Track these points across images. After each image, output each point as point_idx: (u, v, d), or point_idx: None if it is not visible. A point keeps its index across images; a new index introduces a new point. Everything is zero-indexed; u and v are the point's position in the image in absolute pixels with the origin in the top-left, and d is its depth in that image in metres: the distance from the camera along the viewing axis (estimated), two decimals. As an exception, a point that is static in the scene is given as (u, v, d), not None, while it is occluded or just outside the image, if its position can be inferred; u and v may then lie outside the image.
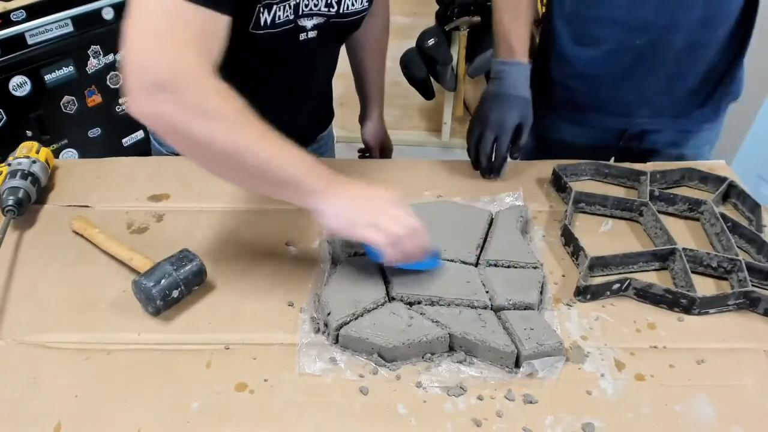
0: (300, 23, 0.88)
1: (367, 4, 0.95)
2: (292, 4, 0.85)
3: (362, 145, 1.35)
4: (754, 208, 0.95)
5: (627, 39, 1.02)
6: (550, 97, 1.16)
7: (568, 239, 0.88)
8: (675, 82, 1.07)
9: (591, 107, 1.13)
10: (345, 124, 1.30)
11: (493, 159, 1.02)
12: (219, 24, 0.70)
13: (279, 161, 0.69)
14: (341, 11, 0.91)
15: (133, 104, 0.64)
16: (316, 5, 0.88)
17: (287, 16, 0.86)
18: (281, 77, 0.99)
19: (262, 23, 0.83)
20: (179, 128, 0.64)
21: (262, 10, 0.82)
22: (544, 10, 1.18)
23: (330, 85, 1.17)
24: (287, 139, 0.70)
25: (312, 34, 0.91)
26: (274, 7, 0.83)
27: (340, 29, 0.95)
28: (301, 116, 1.09)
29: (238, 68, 0.95)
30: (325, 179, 0.72)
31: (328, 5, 0.90)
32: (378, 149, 1.33)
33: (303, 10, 0.87)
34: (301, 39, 0.91)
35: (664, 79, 1.06)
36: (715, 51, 1.04)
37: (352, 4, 0.92)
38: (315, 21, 0.90)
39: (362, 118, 1.32)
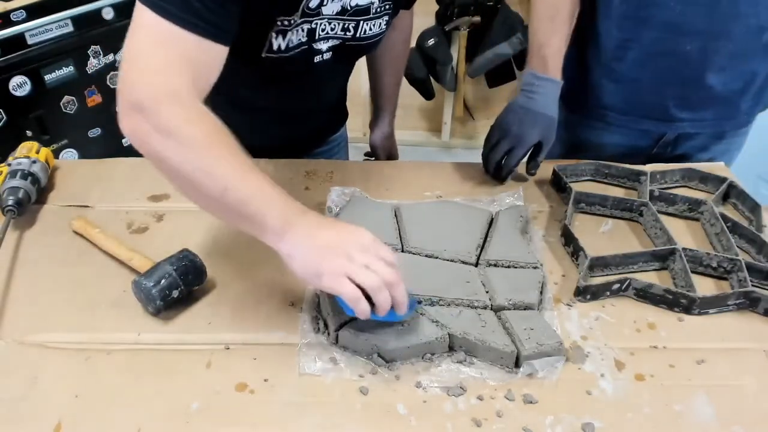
0: (315, 46, 0.87)
1: (385, 27, 0.93)
2: (305, 28, 0.83)
3: (366, 148, 1.35)
4: (754, 208, 0.95)
5: (675, 43, 0.99)
6: (587, 100, 1.13)
7: (568, 239, 0.88)
8: (719, 88, 1.04)
9: (632, 111, 1.10)
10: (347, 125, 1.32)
11: (502, 168, 1.00)
12: (212, 52, 0.69)
13: (235, 192, 0.63)
14: (358, 35, 0.90)
15: (119, 118, 0.66)
16: (332, 29, 0.87)
17: (300, 39, 0.84)
18: (294, 94, 0.99)
19: (275, 48, 0.82)
20: (148, 147, 0.65)
21: (276, 35, 0.81)
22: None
23: (344, 90, 1.18)
24: (254, 169, 0.65)
25: (327, 55, 0.90)
26: (288, 33, 0.82)
27: (356, 51, 0.94)
28: (312, 125, 1.10)
29: (249, 86, 0.95)
30: (281, 217, 0.64)
31: (345, 29, 0.88)
32: (384, 157, 1.33)
33: (319, 35, 0.86)
34: (315, 61, 0.90)
35: (708, 86, 1.03)
36: (759, 58, 1.02)
37: (370, 29, 0.90)
38: (330, 43, 0.89)
39: (372, 124, 1.31)
